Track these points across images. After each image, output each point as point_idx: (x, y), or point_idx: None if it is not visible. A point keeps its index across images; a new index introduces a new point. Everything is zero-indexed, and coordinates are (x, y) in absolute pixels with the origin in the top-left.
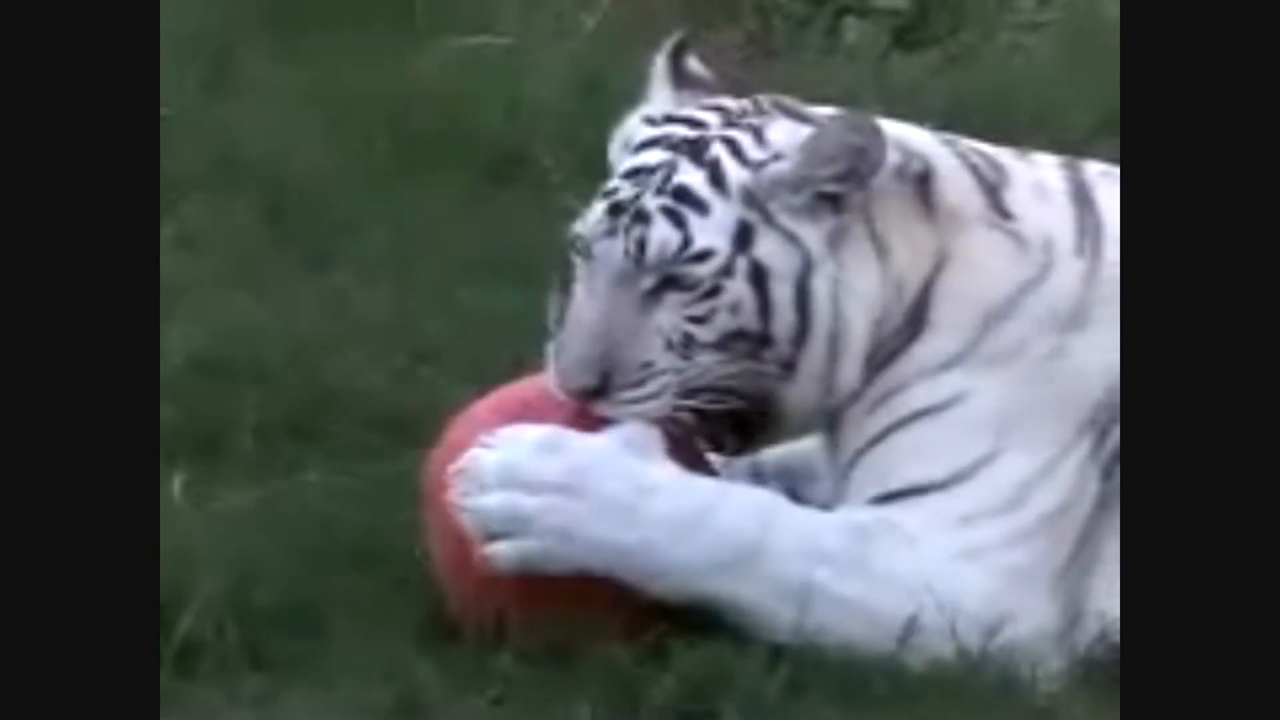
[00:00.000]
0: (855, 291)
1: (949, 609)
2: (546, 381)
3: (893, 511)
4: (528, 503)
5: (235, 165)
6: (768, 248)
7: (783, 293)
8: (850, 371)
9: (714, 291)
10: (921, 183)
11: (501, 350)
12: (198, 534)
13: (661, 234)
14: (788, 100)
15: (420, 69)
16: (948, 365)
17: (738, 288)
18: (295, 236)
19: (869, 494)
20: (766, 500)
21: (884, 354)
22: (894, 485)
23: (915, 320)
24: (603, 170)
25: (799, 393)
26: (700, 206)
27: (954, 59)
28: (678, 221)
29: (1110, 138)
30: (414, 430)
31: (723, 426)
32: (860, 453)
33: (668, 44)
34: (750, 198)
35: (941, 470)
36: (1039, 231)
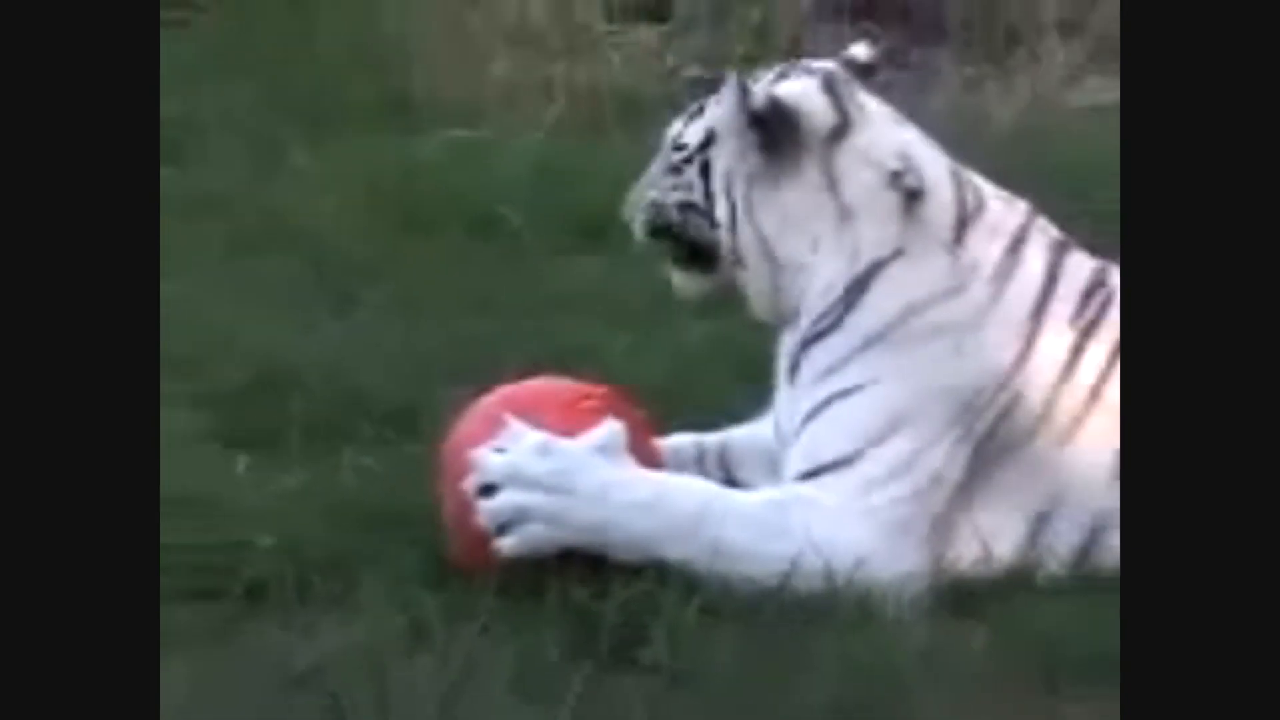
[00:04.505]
0: (788, 217)
1: (839, 556)
2: (538, 384)
3: (811, 486)
4: (527, 498)
5: (283, 229)
6: (715, 153)
7: (718, 188)
8: (790, 275)
9: (679, 171)
10: (911, 197)
11: (486, 364)
12: (258, 506)
13: (675, 126)
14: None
15: (420, 153)
16: (869, 343)
17: (691, 173)
18: (329, 282)
19: (800, 469)
20: (703, 485)
21: (826, 324)
22: (817, 461)
23: (857, 291)
24: (564, 230)
25: (754, 276)
26: (699, 116)
27: None
28: (688, 120)
29: None
30: (419, 426)
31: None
32: (802, 424)
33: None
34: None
35: (851, 446)
36: (973, 257)
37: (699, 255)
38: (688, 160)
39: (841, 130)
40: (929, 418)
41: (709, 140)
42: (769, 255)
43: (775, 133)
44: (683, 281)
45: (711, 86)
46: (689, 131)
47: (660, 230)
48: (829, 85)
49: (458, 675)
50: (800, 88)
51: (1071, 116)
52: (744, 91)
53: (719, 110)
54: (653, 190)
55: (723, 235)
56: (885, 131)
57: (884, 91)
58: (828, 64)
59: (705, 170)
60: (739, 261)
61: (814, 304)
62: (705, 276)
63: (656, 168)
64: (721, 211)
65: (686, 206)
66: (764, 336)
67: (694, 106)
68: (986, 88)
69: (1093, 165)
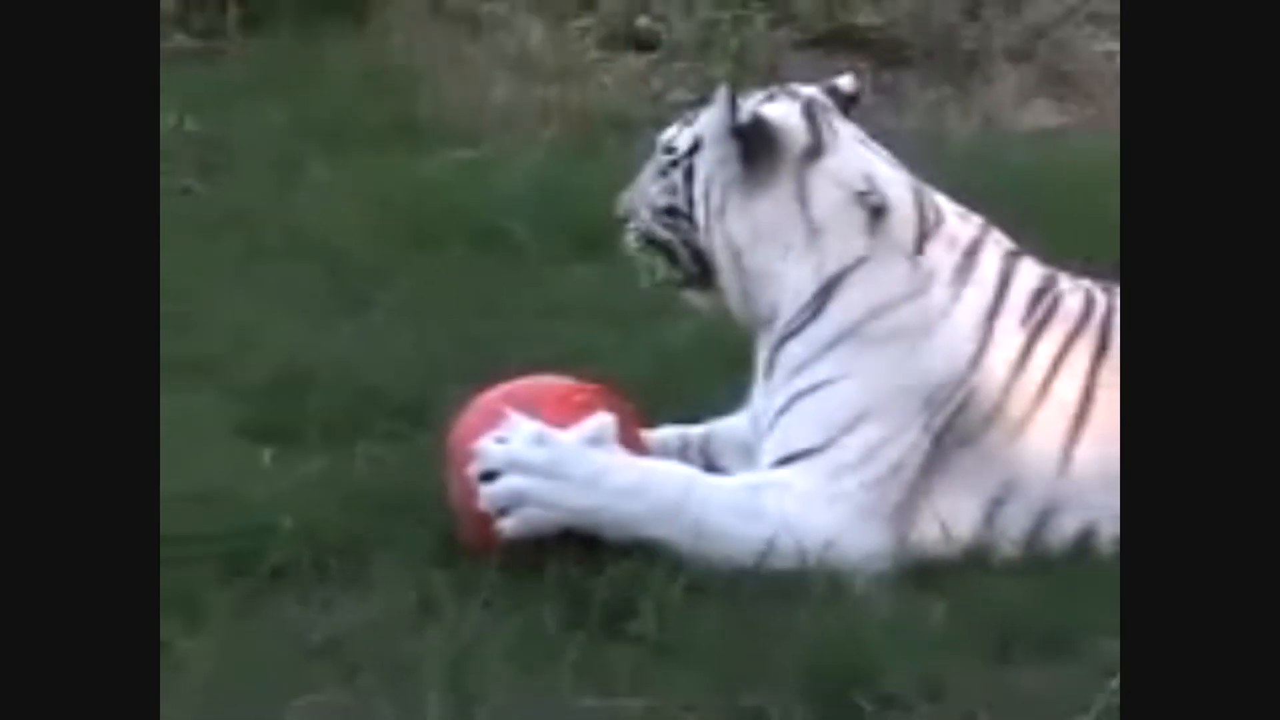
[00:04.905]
0: (759, 226)
1: (811, 537)
2: (536, 380)
3: (784, 472)
4: (525, 483)
5: (303, 239)
6: (699, 160)
7: (699, 193)
8: (758, 283)
9: (666, 174)
10: (875, 212)
11: (489, 363)
12: (282, 492)
13: (668, 131)
14: (806, 91)
15: (428, 171)
16: (836, 342)
17: (677, 176)
18: (345, 288)
19: (774, 456)
20: (686, 471)
21: (796, 325)
22: (789, 450)
23: (825, 295)
24: (560, 241)
25: (725, 281)
26: (691, 124)
27: None
28: (681, 127)
29: None
30: (428, 419)
31: (690, 269)
32: (776, 416)
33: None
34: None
35: (822, 435)
36: (931, 264)
37: (697, 273)
38: (674, 164)
39: (815, 151)
40: (893, 410)
41: (696, 147)
42: (738, 263)
43: (755, 147)
44: (691, 299)
45: (695, 108)
46: (680, 137)
47: (652, 244)
48: (809, 110)
49: (464, 646)
50: (783, 110)
51: (1020, 136)
52: (732, 104)
53: (707, 120)
54: (644, 209)
55: (702, 239)
56: (854, 155)
57: (861, 112)
58: (813, 90)
59: (689, 175)
60: (713, 266)
61: (786, 309)
62: (707, 292)
63: (648, 171)
64: (700, 215)
65: (671, 210)
66: (743, 336)
67: (688, 114)
68: (948, 109)
69: (1040, 180)
